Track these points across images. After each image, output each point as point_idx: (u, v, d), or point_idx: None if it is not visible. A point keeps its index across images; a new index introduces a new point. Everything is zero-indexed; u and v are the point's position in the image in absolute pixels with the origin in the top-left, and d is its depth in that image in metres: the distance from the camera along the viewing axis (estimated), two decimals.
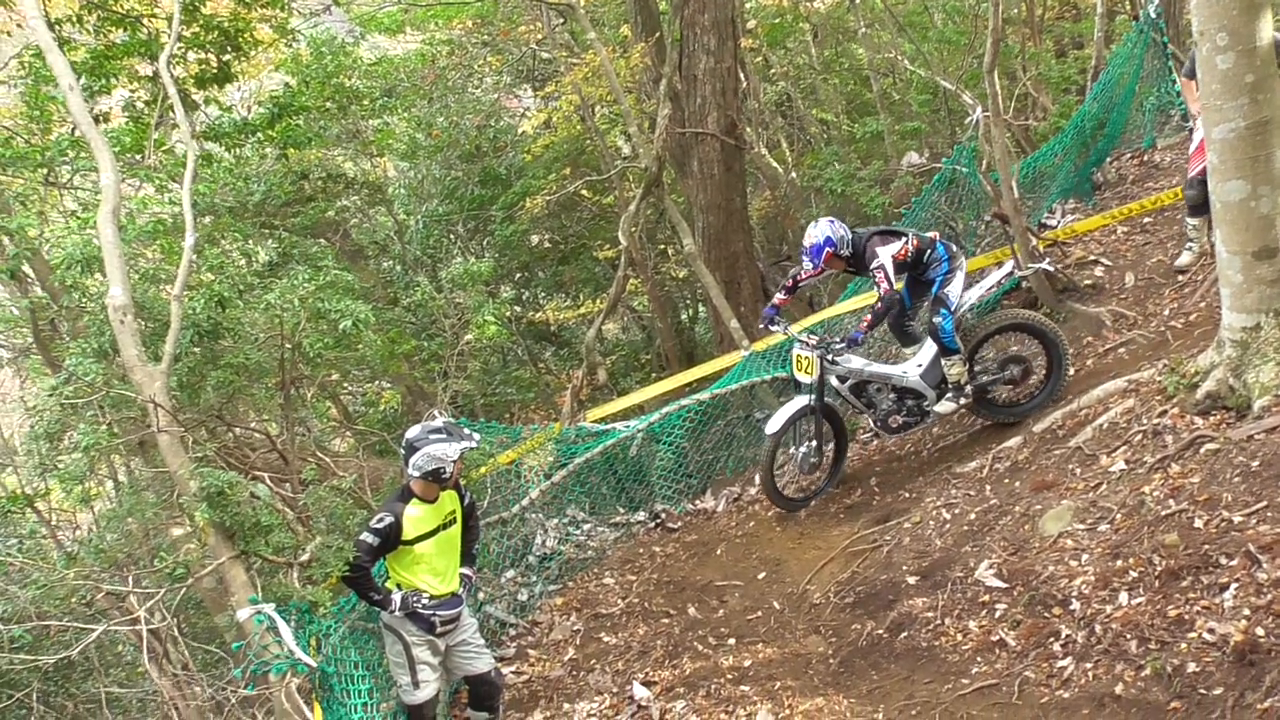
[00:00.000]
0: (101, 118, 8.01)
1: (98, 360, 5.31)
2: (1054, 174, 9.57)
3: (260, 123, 8.93)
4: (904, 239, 6.84)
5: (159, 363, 5.21)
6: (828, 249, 6.80)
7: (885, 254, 6.68)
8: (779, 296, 7.22)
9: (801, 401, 7.04)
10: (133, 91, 8.46)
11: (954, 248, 7.08)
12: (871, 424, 7.42)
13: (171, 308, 5.42)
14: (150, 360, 5.22)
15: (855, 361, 7.08)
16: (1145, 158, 10.30)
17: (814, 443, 7.21)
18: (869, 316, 6.74)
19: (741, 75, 11.50)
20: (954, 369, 6.92)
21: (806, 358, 6.96)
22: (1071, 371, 7.08)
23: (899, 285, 7.06)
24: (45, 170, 7.71)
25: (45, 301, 7.03)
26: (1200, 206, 7.33)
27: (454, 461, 4.96)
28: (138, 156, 7.84)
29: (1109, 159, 10.50)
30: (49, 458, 5.67)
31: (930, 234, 7.04)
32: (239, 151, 9.44)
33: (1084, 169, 9.96)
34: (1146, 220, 8.85)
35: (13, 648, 5.24)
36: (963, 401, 7.04)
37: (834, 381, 7.10)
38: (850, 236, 6.88)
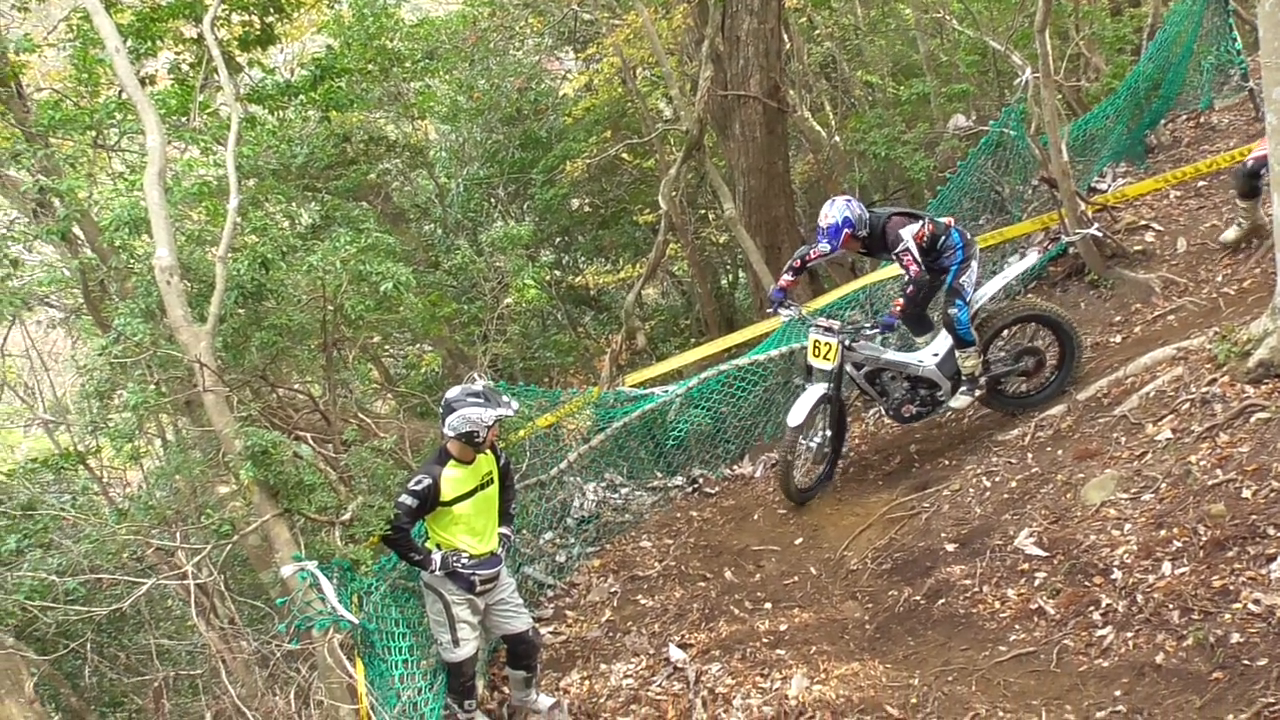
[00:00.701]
0: (147, 80, 8.10)
1: (145, 320, 5.39)
2: (1105, 137, 9.33)
3: (303, 85, 8.97)
4: (921, 221, 6.61)
5: (204, 323, 5.28)
6: (846, 229, 6.55)
7: (908, 235, 6.46)
8: (786, 278, 6.92)
9: (820, 390, 6.75)
10: (178, 54, 8.53)
11: (969, 235, 6.83)
12: (884, 412, 7.22)
13: (216, 269, 5.49)
14: (196, 321, 5.30)
15: (873, 348, 6.84)
16: (1202, 119, 9.98)
17: (828, 433, 7.02)
18: (901, 301, 6.52)
19: (785, 36, 11.31)
20: (969, 361, 6.72)
21: (826, 343, 6.68)
22: (1082, 363, 6.92)
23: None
24: (93, 133, 7.80)
25: (94, 263, 7.14)
26: (1249, 193, 7.14)
27: (488, 427, 4.99)
28: (183, 119, 7.91)
29: (1164, 121, 10.20)
30: (99, 416, 5.79)
31: (945, 220, 6.80)
32: (282, 114, 9.51)
33: (1137, 131, 9.69)
34: (1201, 184, 8.60)
35: (68, 600, 5.41)
36: (977, 394, 6.86)
37: (849, 369, 6.85)
38: (868, 216, 6.64)
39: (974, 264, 6.69)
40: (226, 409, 5.18)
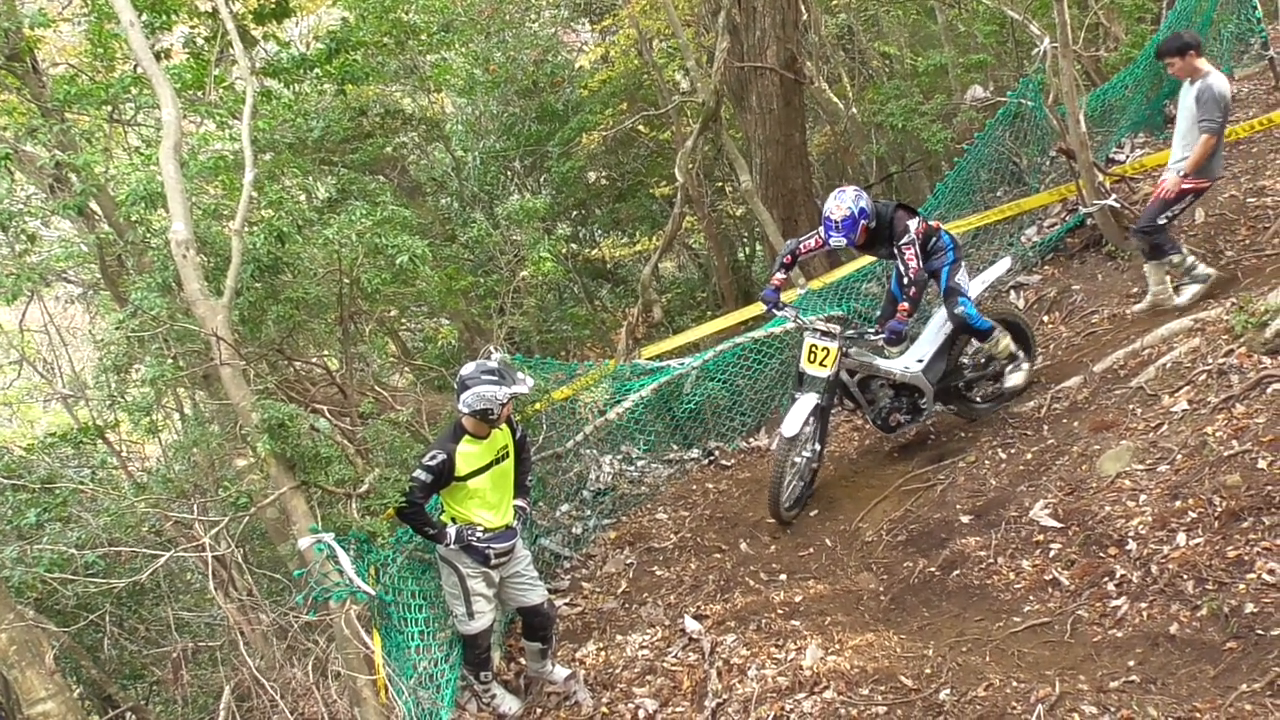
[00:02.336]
0: (162, 54, 8.11)
1: (162, 295, 5.43)
2: (1124, 107, 9.21)
3: (318, 58, 8.95)
4: (919, 216, 6.35)
5: (221, 297, 5.32)
6: (863, 221, 6.14)
7: (913, 226, 6.16)
8: (777, 276, 6.46)
9: (813, 400, 6.29)
10: (192, 28, 8.52)
11: (957, 238, 6.60)
12: (870, 421, 6.86)
13: (232, 243, 5.52)
14: (212, 295, 5.33)
15: (866, 355, 6.53)
16: None
17: (818, 447, 6.56)
18: (906, 305, 6.07)
19: (802, 7, 11.19)
20: (1000, 343, 6.51)
21: (824, 348, 6.23)
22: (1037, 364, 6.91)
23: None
24: (109, 107, 7.81)
25: (111, 237, 7.17)
26: (1153, 250, 6.82)
27: (502, 404, 5.00)
28: (198, 93, 7.92)
29: None
30: (117, 390, 5.85)
31: (934, 222, 6.58)
32: (298, 88, 9.50)
33: (1156, 101, 9.56)
34: None
35: (87, 573, 5.48)
36: (1026, 366, 6.68)
37: (843, 375, 6.49)
38: (876, 207, 6.29)
39: (963, 264, 6.47)
40: (244, 382, 5.22)
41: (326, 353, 7.15)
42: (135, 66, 7.58)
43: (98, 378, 6.56)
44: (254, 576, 5.54)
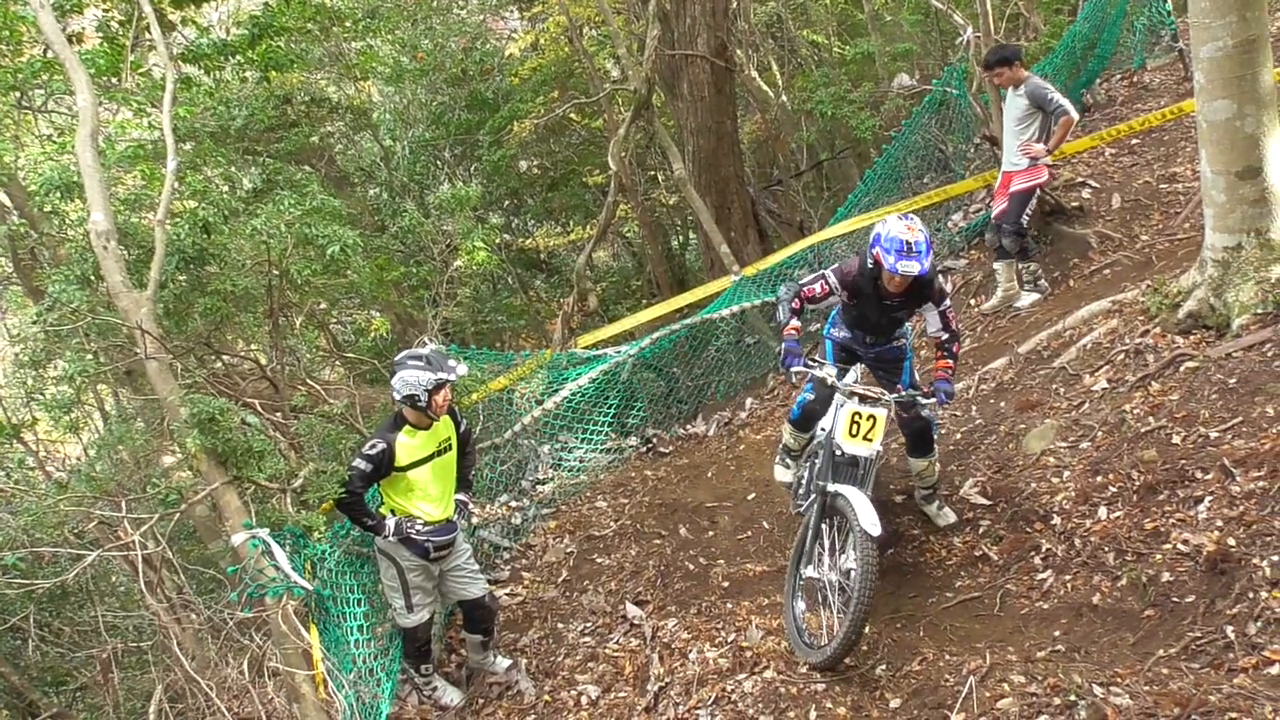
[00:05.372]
0: (74, 39, 7.81)
1: (81, 287, 5.26)
2: None
3: (240, 44, 8.73)
4: None
5: (144, 290, 5.17)
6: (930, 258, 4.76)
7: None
8: (793, 323, 4.98)
9: (835, 492, 4.68)
10: (106, 11, 8.23)
11: None
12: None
13: (155, 234, 5.37)
14: (136, 287, 5.18)
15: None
16: (1135, 79, 10.19)
17: (851, 564, 4.53)
18: (949, 360, 4.98)
19: None
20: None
21: (870, 417, 4.73)
22: None
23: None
24: (17, 93, 7.52)
25: (24, 229, 6.92)
26: (1004, 250, 7.37)
27: (427, 390, 4.91)
28: (114, 80, 7.66)
29: (1099, 80, 10.39)
30: (35, 387, 5.65)
31: None
32: (219, 75, 9.25)
33: (1074, 90, 9.84)
34: (1135, 141, 8.80)
35: (5, 575, 5.29)
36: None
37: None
38: None
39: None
40: (170, 376, 5.09)
41: (256, 347, 7.00)
42: (45, 50, 7.31)
43: (13, 374, 6.33)
44: (185, 575, 5.42)
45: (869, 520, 4.41)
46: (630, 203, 12.68)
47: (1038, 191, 7.23)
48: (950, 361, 4.97)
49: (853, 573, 4.40)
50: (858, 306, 5.08)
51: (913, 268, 4.60)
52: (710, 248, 9.92)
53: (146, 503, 5.58)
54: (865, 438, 4.73)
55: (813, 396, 5.31)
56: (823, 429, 5.18)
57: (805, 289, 5.03)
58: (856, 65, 12.35)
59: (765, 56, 13.96)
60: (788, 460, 5.69)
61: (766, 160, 14.60)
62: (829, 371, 4.97)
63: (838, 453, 4.79)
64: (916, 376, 5.53)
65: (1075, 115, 7.00)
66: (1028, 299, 7.40)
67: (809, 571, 4.76)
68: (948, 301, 4.97)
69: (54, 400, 5.54)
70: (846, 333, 5.27)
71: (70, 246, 5.63)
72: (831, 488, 4.70)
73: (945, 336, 4.97)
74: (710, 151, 10.36)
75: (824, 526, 4.77)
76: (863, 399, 4.78)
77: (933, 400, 4.86)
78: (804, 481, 5.35)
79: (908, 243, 4.62)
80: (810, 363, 4.96)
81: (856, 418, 4.73)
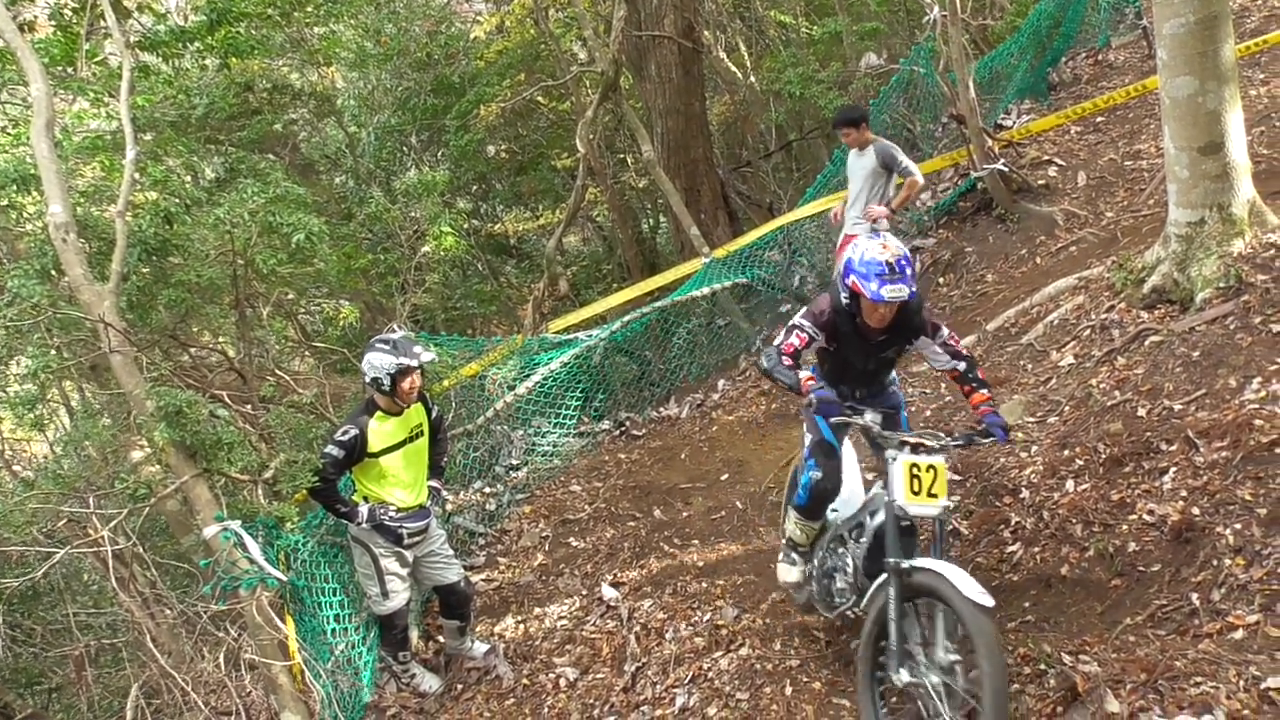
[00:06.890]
0: (26, 27, 7.64)
1: (41, 281, 5.17)
2: (1010, 74, 9.53)
3: (198, 31, 8.57)
4: None
5: (107, 282, 5.10)
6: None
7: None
8: (803, 374, 4.09)
9: (942, 564, 3.69)
10: None
11: None
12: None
13: (116, 225, 5.29)
14: (98, 280, 5.11)
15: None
16: (1100, 57, 10.28)
17: (952, 655, 3.64)
18: (983, 390, 4.29)
19: None
20: None
21: (930, 468, 3.88)
22: None
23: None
24: None
25: None
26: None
27: (390, 375, 4.90)
28: (69, 69, 7.51)
29: (1064, 59, 10.47)
30: None
31: None
32: (177, 62, 9.10)
33: (1040, 69, 9.93)
34: (1100, 119, 8.88)
35: None
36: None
37: None
38: None
39: None
40: (136, 370, 5.03)
41: (223, 338, 6.93)
42: None
43: None
44: (158, 570, 5.37)
45: (974, 590, 3.48)
46: (600, 186, 12.65)
47: None
48: (986, 392, 4.27)
49: (958, 666, 3.55)
50: (838, 353, 4.28)
51: (900, 291, 3.87)
52: (680, 230, 9.92)
53: (115, 498, 5.52)
54: (930, 493, 3.86)
55: (820, 474, 4.32)
56: (834, 510, 4.47)
57: (784, 346, 4.16)
58: (824, 45, 12.35)
59: (733, 37, 13.93)
60: (793, 556, 4.60)
61: (735, 141, 14.60)
62: (872, 419, 4.07)
63: (903, 519, 3.91)
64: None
65: (921, 180, 7.11)
66: None
67: (902, 677, 3.69)
68: (945, 330, 4.30)
69: (18, 398, 5.45)
70: (828, 391, 4.23)
71: (29, 240, 5.54)
72: (906, 564, 3.76)
73: (962, 366, 4.29)
74: (679, 133, 10.35)
75: (906, 615, 3.79)
76: (915, 448, 3.93)
77: (991, 440, 4.10)
78: (842, 573, 4.32)
79: (887, 263, 3.88)
80: (849, 410, 4.13)
81: (915, 470, 3.87)
